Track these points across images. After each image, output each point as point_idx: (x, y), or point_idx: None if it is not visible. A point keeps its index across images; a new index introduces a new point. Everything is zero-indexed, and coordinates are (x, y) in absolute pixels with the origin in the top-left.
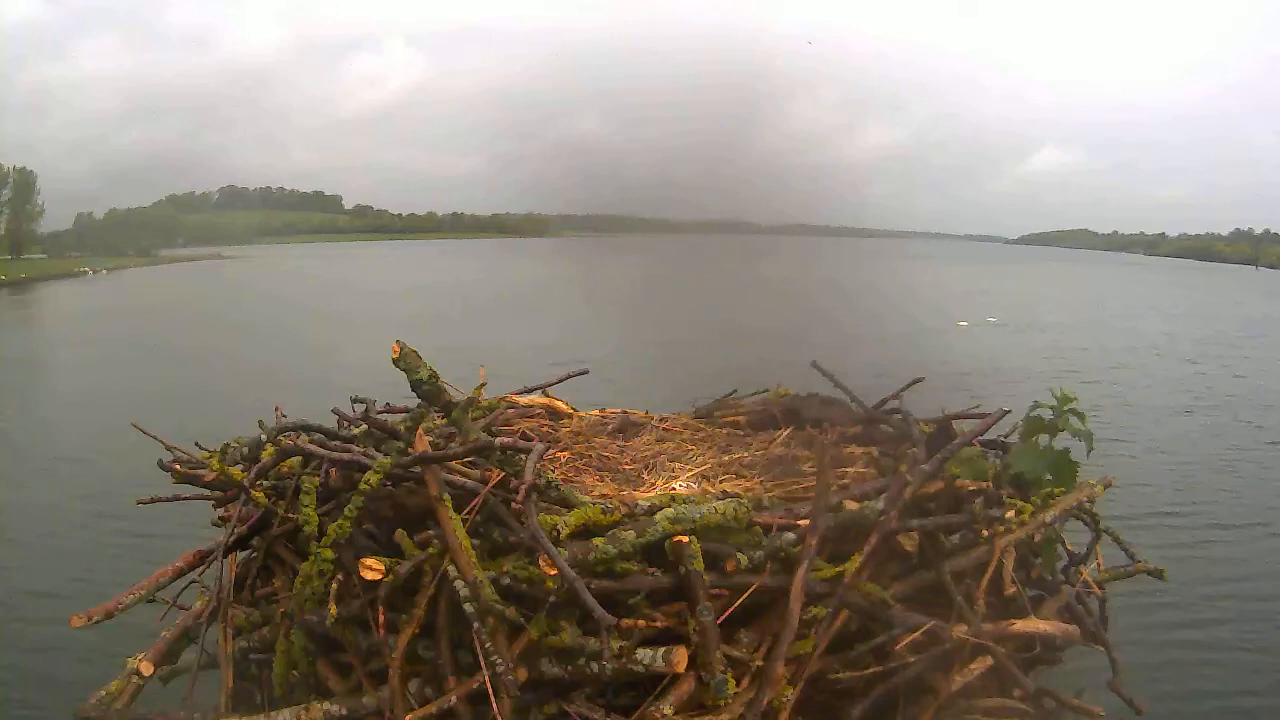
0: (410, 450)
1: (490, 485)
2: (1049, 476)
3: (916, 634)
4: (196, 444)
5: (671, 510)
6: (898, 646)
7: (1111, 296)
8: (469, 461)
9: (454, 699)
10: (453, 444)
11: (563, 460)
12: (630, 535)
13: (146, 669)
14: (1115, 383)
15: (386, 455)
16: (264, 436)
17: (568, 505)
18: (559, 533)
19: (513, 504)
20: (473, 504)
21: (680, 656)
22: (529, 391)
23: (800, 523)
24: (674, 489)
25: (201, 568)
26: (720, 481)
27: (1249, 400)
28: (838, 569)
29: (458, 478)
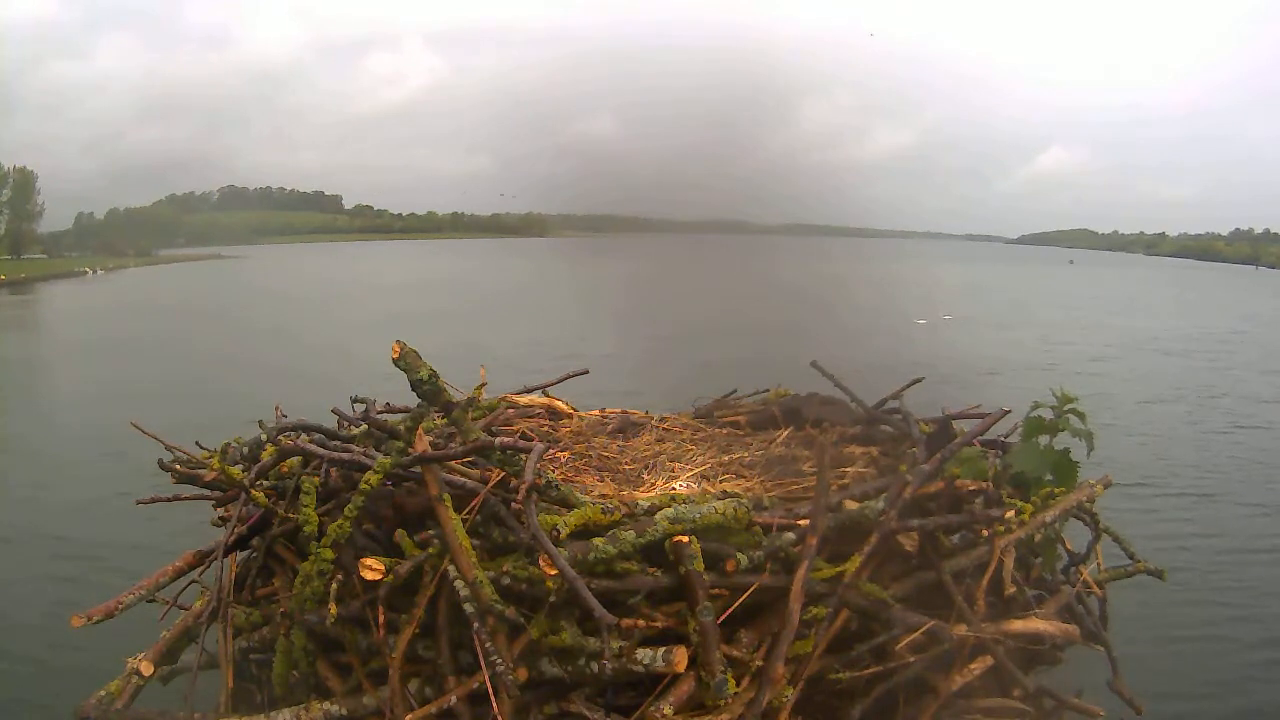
0: (410, 450)
1: (490, 485)
2: (1049, 476)
3: (916, 634)
4: (197, 443)
5: (671, 510)
6: (898, 646)
7: (1095, 295)
8: (469, 461)
9: (454, 699)
10: (453, 444)
11: (563, 460)
12: (630, 535)
13: (146, 669)
14: (1095, 374)
15: (386, 455)
16: (264, 436)
17: (568, 505)
18: (559, 532)
19: (513, 504)
20: (473, 504)
21: (680, 656)
22: (529, 391)
23: (800, 523)
24: (674, 489)
25: (201, 568)
26: (720, 481)
27: (1230, 392)
28: (838, 569)
29: (458, 478)
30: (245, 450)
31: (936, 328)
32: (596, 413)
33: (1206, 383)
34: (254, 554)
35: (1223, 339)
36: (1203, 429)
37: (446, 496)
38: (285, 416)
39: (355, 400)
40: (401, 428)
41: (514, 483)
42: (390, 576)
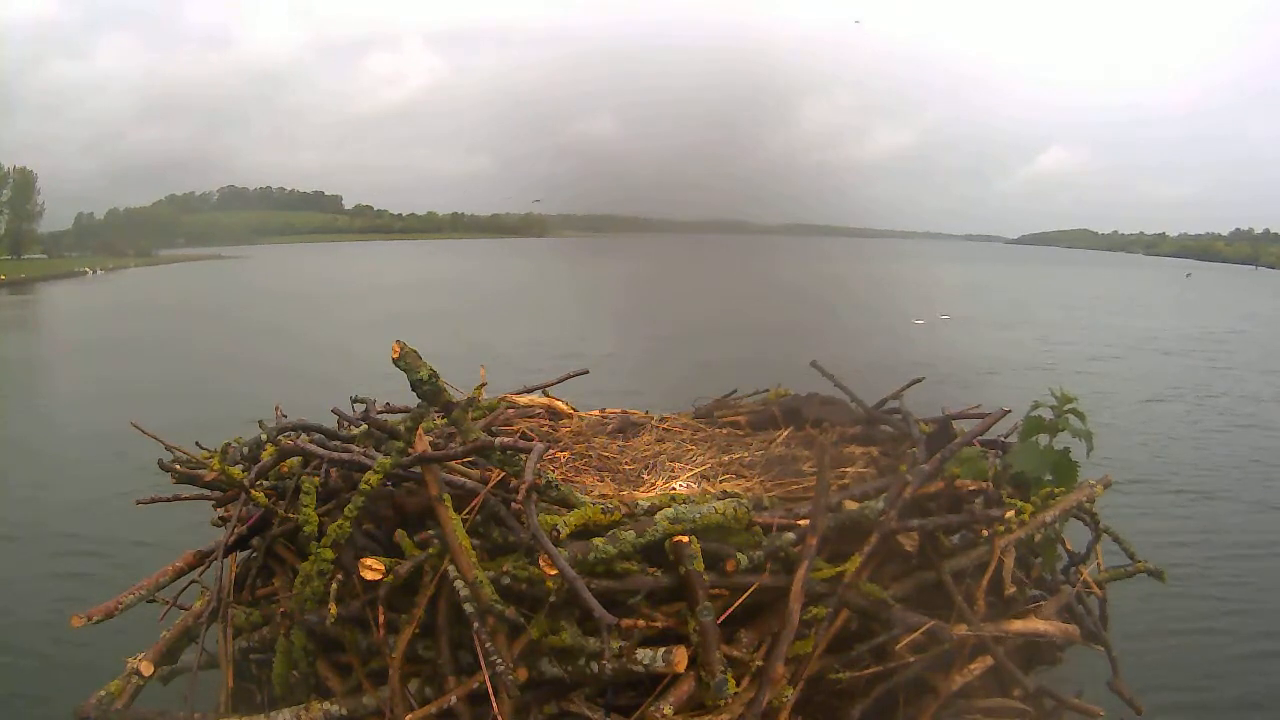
0: (410, 450)
1: (490, 485)
2: (1049, 476)
3: (916, 634)
4: (197, 443)
5: (671, 510)
6: (898, 646)
7: (1095, 295)
8: (469, 461)
9: (454, 699)
10: (453, 444)
11: (563, 460)
12: (630, 535)
13: (146, 669)
14: (1095, 374)
15: (386, 455)
16: (264, 436)
17: (568, 505)
18: (559, 532)
19: (513, 504)
20: (473, 504)
21: (680, 656)
22: (529, 391)
23: (800, 523)
24: (674, 489)
25: (201, 568)
26: (720, 481)
27: (1229, 391)
28: (838, 569)
29: (458, 478)
30: (245, 450)
31: (934, 328)
32: (596, 413)
33: (1205, 382)
34: (254, 554)
35: (1221, 339)
36: (1201, 428)
37: (446, 496)
38: (285, 416)
39: (355, 400)
40: (401, 428)
41: (514, 483)
42: (390, 576)
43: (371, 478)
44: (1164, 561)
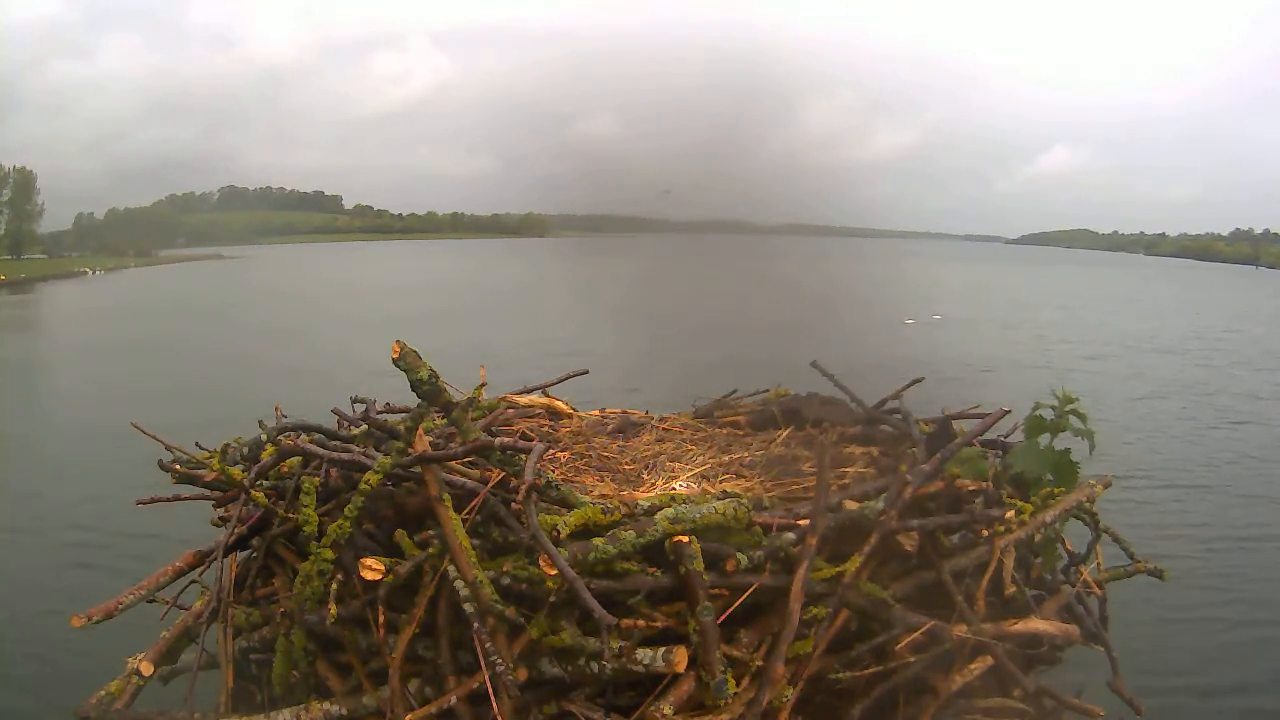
0: (410, 450)
1: (490, 485)
2: (1049, 476)
3: (916, 634)
4: (197, 444)
5: (671, 510)
6: (898, 646)
7: (1093, 296)
8: (469, 461)
9: (454, 699)
10: (453, 444)
11: (563, 460)
12: (630, 535)
13: (146, 669)
14: (1092, 373)
15: (386, 455)
16: (264, 436)
17: (568, 505)
18: (559, 533)
19: (513, 504)
20: (473, 504)
21: (680, 656)
22: (529, 391)
23: (800, 523)
24: (674, 489)
25: (201, 568)
26: (720, 481)
27: (1225, 389)
28: (838, 569)
29: (458, 478)
30: (245, 450)
31: (925, 328)
32: (596, 413)
33: (1201, 379)
34: (254, 554)
35: (1218, 337)
36: (1197, 425)
37: (446, 496)
38: (285, 416)
39: (355, 400)
40: (401, 428)
41: (514, 483)
42: (390, 576)
43: (371, 478)
44: (1159, 554)
